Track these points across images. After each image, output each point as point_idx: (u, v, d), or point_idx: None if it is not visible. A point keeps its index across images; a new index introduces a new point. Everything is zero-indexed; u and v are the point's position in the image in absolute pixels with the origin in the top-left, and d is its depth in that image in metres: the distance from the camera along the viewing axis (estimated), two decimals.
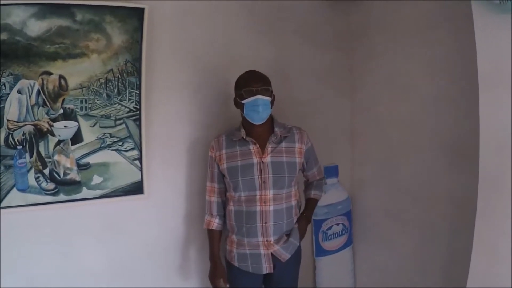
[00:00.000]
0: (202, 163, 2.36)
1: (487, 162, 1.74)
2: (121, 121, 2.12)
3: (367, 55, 2.79)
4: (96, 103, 2.06)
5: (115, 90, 2.09)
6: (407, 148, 2.53)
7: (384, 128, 2.70)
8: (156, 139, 2.27)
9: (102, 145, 2.10)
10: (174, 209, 2.38)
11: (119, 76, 2.09)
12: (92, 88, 2.04)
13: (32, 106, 1.94)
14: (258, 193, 2.03)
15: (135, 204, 2.24)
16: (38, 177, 1.99)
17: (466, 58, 2.04)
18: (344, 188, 2.96)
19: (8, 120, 1.90)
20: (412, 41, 2.42)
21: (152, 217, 2.31)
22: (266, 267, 2.08)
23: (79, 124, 2.04)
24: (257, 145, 2.05)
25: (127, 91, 2.12)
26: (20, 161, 1.94)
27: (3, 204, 1.92)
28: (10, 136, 1.91)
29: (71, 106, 2.01)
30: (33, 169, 1.98)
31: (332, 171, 2.89)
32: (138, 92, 2.13)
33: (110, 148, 2.11)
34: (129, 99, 2.13)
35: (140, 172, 2.19)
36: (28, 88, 1.92)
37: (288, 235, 2.10)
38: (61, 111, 2.00)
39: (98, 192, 2.11)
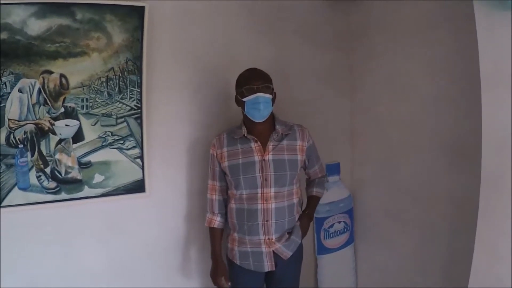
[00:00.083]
0: (202, 163, 2.37)
1: (489, 161, 1.74)
2: (122, 119, 2.13)
3: (367, 55, 2.80)
4: (97, 101, 2.07)
5: (116, 89, 2.10)
6: (407, 148, 2.54)
7: (384, 128, 2.71)
8: (157, 138, 2.27)
9: (104, 144, 2.11)
10: (174, 208, 2.39)
11: (120, 75, 2.10)
12: (93, 87, 2.05)
13: (33, 105, 1.95)
14: (259, 191, 2.03)
15: (137, 202, 2.25)
16: (40, 175, 2.00)
17: (466, 58, 2.05)
18: (345, 185, 2.97)
19: (9, 119, 1.91)
20: (412, 41, 2.43)
21: (153, 216, 2.32)
22: (267, 265, 2.08)
23: (80, 123, 2.05)
24: (259, 143, 2.05)
25: (128, 89, 2.13)
26: (21, 160, 1.95)
27: (4, 203, 1.93)
28: (12, 135, 1.93)
29: (72, 105, 2.02)
30: (34, 168, 1.99)
31: (334, 168, 2.90)
32: (139, 90, 2.15)
33: (111, 147, 2.12)
34: (130, 98, 2.14)
35: (141, 171, 2.20)
36: (29, 87, 1.93)
37: (290, 233, 2.10)
38: (62, 109, 2.01)
39: (100, 191, 2.12)
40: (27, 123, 1.95)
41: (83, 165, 2.08)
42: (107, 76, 2.07)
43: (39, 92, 1.95)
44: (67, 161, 2.04)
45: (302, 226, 2.15)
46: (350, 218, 2.97)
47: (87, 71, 2.03)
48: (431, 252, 2.41)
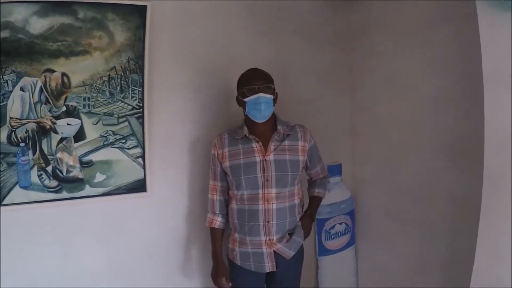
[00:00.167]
0: (203, 162, 2.39)
1: (491, 161, 1.75)
2: (124, 118, 2.15)
3: (367, 55, 2.82)
4: (99, 100, 2.09)
5: (118, 88, 2.13)
6: (407, 148, 2.55)
7: (384, 128, 2.72)
8: (158, 138, 2.30)
9: (105, 143, 2.13)
10: (175, 208, 2.41)
11: (122, 74, 2.12)
12: (95, 86, 2.07)
13: (35, 104, 1.98)
14: (260, 191, 2.03)
15: (138, 202, 2.27)
16: (41, 174, 2.02)
17: (466, 58, 2.08)
18: (347, 186, 2.99)
19: (11, 118, 1.94)
20: (412, 41, 2.44)
21: (153, 216, 2.34)
22: (268, 266, 2.08)
23: (82, 122, 2.07)
24: (260, 143, 2.05)
25: (130, 88, 2.15)
26: (23, 158, 1.97)
27: (5, 202, 1.95)
28: (13, 133, 1.95)
29: (74, 104, 2.04)
30: (36, 167, 2.01)
31: (335, 169, 2.92)
32: (140, 89, 2.17)
33: (113, 146, 2.14)
34: (132, 97, 2.16)
35: (143, 170, 2.22)
36: (30, 85, 1.96)
37: (291, 234, 2.10)
38: (64, 108, 2.03)
39: (101, 190, 2.14)
40: (29, 122, 1.97)
41: (85, 164, 2.10)
42: (109, 75, 2.09)
43: (41, 90, 1.97)
44: (68, 160, 2.07)
45: (304, 226, 2.15)
46: (351, 219, 2.98)
47: (89, 70, 2.05)
48: (431, 252, 2.42)
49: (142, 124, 2.19)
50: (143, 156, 2.21)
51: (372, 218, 2.91)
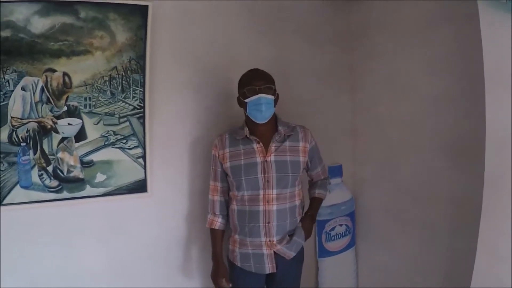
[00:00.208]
0: (203, 162, 2.40)
1: (492, 161, 1.76)
2: (125, 118, 2.17)
3: (367, 55, 2.83)
4: (100, 100, 2.11)
5: (119, 88, 2.14)
6: (407, 148, 2.56)
7: (384, 128, 2.73)
8: (159, 138, 2.31)
9: (106, 143, 2.14)
10: (176, 208, 2.42)
11: (123, 74, 2.14)
12: (96, 86, 2.09)
13: (36, 103, 1.99)
14: (261, 192, 2.05)
15: (138, 202, 2.28)
16: (42, 174, 2.04)
17: (466, 58, 2.09)
18: (348, 188, 2.99)
19: (12, 117, 1.95)
20: (412, 41, 2.46)
21: (154, 216, 2.36)
22: (268, 267, 2.10)
23: (83, 122, 2.09)
24: (261, 144, 2.07)
25: (131, 88, 2.17)
26: (23, 158, 1.99)
27: (6, 201, 1.97)
28: (14, 133, 1.97)
29: (75, 104, 2.06)
30: (36, 166, 2.03)
31: (336, 171, 2.93)
32: (142, 90, 2.18)
33: (114, 146, 2.16)
34: (133, 97, 2.18)
35: (143, 170, 2.24)
36: (32, 85, 1.97)
37: (291, 235, 2.11)
38: (65, 108, 2.05)
39: (102, 190, 2.16)
40: (30, 121, 1.99)
41: (85, 164, 2.12)
42: (110, 75, 2.11)
43: (42, 90, 1.99)
44: (69, 160, 2.08)
45: (305, 228, 2.16)
46: (352, 221, 2.99)
47: (90, 69, 2.07)
48: (432, 252, 2.42)
49: (143, 124, 2.21)
50: (144, 156, 2.23)
51: (372, 218, 2.91)
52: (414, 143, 2.51)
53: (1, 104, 1.92)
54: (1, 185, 1.95)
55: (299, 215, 2.17)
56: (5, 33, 1.88)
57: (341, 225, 2.93)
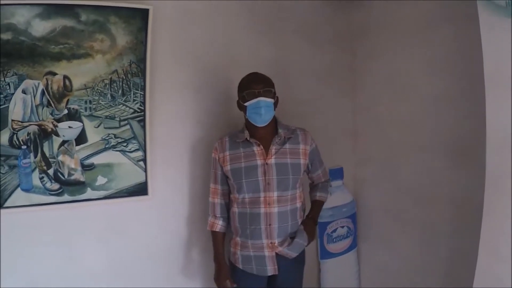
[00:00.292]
0: (204, 164, 2.43)
1: (493, 161, 1.78)
2: (126, 122, 2.19)
3: (367, 55, 2.86)
4: (100, 103, 2.13)
5: (120, 91, 2.16)
6: (407, 148, 2.59)
7: (384, 128, 2.76)
8: (160, 141, 2.33)
9: (107, 146, 2.17)
10: (176, 210, 2.44)
11: (124, 77, 2.16)
12: (97, 89, 2.11)
13: (37, 106, 2.01)
14: (262, 195, 2.08)
15: (139, 205, 2.31)
16: (43, 177, 2.06)
17: (466, 58, 2.13)
18: (349, 190, 3.01)
19: (12, 120, 1.97)
20: (412, 41, 2.48)
21: (155, 219, 2.38)
22: (270, 269, 2.12)
23: (83, 125, 2.11)
24: (261, 146, 2.10)
25: (132, 92, 2.19)
26: (24, 161, 2.01)
27: (7, 204, 1.99)
28: (15, 136, 1.99)
29: (76, 107, 2.08)
30: (37, 169, 2.04)
31: (337, 173, 2.96)
32: (142, 93, 2.20)
33: (114, 149, 2.18)
34: (134, 100, 2.20)
35: (144, 173, 2.26)
36: (32, 88, 1.99)
37: (293, 237, 2.12)
38: (66, 111, 2.07)
39: (102, 193, 2.18)
40: (30, 124, 2.01)
41: (86, 167, 2.14)
42: (111, 78, 2.13)
43: (43, 93, 2.01)
44: (70, 163, 2.10)
45: (308, 231, 2.17)
46: (353, 223, 3.02)
47: (91, 73, 2.09)
48: (433, 253, 2.45)
49: (143, 128, 2.23)
50: (144, 159, 2.25)
51: (373, 219, 2.94)
52: (414, 143, 2.54)
53: (2, 107, 1.94)
54: (2, 188, 1.97)
55: (300, 218, 2.20)
56: (6, 36, 1.90)
57: (342, 227, 2.95)
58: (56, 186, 2.09)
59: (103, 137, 2.16)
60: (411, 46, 2.50)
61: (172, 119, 2.40)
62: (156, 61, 2.29)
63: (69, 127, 2.09)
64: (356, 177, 3.09)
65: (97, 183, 2.17)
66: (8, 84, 1.94)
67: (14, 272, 2.06)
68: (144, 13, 2.14)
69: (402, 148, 2.64)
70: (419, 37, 2.45)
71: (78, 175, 2.13)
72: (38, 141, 2.04)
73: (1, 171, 1.97)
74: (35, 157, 2.04)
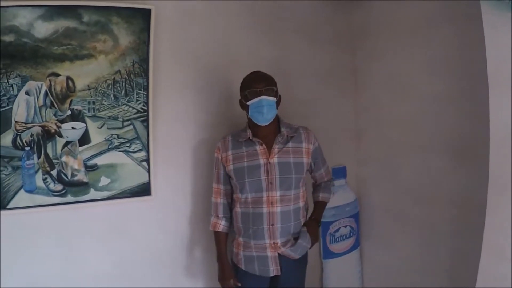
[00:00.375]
0: (206, 164, 2.45)
1: (496, 159, 1.78)
2: (129, 122, 2.22)
3: (368, 55, 2.88)
4: (103, 104, 2.16)
5: (123, 91, 2.19)
6: (408, 148, 2.60)
7: (385, 128, 2.78)
8: (163, 140, 2.36)
9: (110, 146, 2.19)
10: (179, 210, 2.47)
11: (127, 77, 2.19)
12: (100, 89, 2.14)
13: (40, 108, 2.04)
14: (264, 194, 2.08)
15: (142, 205, 2.34)
16: (46, 178, 2.09)
17: (466, 58, 2.15)
18: (351, 189, 3.03)
19: (16, 122, 2.00)
20: (413, 41, 2.50)
21: (158, 219, 2.41)
22: (273, 270, 2.13)
23: (86, 125, 2.14)
24: (264, 145, 2.11)
25: (135, 92, 2.21)
26: (28, 162, 2.04)
27: (10, 205, 2.02)
28: (18, 137, 2.01)
29: (79, 107, 2.11)
30: (40, 170, 2.07)
31: (340, 172, 2.98)
32: (145, 93, 2.23)
33: (117, 150, 2.21)
34: (137, 100, 2.22)
35: (147, 174, 2.28)
36: (35, 89, 2.02)
37: (296, 238, 2.14)
38: (69, 112, 2.10)
39: (106, 194, 2.21)
40: (34, 126, 2.04)
41: (89, 168, 2.16)
42: (114, 78, 2.16)
43: (46, 94, 2.04)
44: (73, 164, 2.13)
45: (312, 233, 2.18)
46: (356, 222, 3.04)
47: (94, 73, 2.11)
48: (434, 252, 2.46)
49: (146, 128, 2.25)
50: (147, 160, 2.27)
51: (375, 219, 2.95)
52: (415, 143, 2.55)
53: (5, 108, 1.97)
54: (6, 189, 2.00)
55: (303, 218, 2.21)
56: (9, 38, 1.93)
57: (345, 226, 2.96)
58: (59, 187, 2.11)
59: (106, 138, 2.18)
60: (411, 46, 2.52)
61: (176, 120, 2.42)
62: (159, 63, 2.31)
63: (72, 128, 2.11)
64: (359, 178, 3.10)
65: (101, 184, 2.19)
66: (12, 85, 1.97)
67: (16, 274, 2.08)
68: (146, 13, 2.16)
69: (402, 148, 2.66)
70: (419, 37, 2.46)
71: (81, 176, 2.15)
72: (41, 142, 2.06)
73: (5, 173, 2.00)
74: (39, 158, 2.06)
